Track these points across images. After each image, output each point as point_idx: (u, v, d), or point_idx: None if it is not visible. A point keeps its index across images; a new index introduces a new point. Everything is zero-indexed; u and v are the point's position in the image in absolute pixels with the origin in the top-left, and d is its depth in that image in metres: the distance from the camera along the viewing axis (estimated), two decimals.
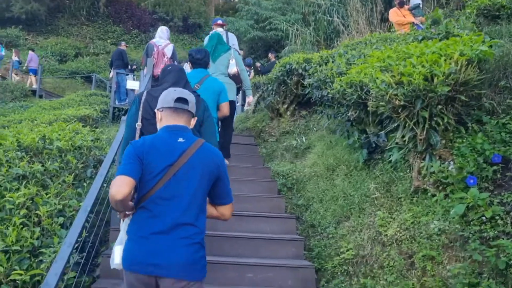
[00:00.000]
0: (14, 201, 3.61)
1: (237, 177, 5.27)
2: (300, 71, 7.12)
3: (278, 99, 7.97)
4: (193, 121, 2.45)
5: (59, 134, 4.88)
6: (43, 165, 4.27)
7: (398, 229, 3.73)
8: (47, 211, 3.63)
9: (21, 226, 3.46)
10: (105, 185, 4.08)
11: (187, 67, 6.52)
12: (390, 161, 4.18)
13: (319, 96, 5.80)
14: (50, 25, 24.50)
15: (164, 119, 2.37)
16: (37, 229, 3.47)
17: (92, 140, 4.90)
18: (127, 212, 2.27)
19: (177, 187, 2.19)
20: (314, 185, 5.31)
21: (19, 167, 4.09)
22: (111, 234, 4.04)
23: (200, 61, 4.36)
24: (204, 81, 4.22)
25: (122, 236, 2.34)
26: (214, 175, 2.29)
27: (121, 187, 2.05)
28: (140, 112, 3.19)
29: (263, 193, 5.18)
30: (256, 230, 4.39)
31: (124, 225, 2.36)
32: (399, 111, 3.63)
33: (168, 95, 2.38)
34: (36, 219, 3.66)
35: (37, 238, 3.45)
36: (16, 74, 17.97)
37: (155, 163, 2.20)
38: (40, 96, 16.65)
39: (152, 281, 2.14)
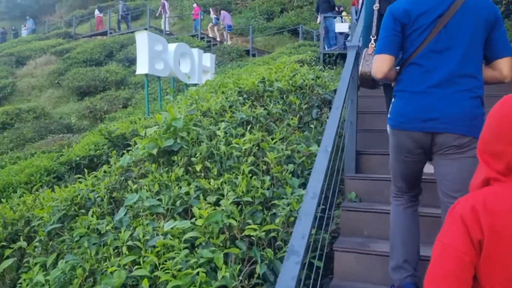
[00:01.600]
0: (240, 147, 3.25)
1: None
2: None
3: None
4: None
5: (278, 76, 4.42)
6: (265, 109, 3.86)
7: None
8: (275, 158, 3.16)
9: (250, 175, 3.07)
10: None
11: None
12: None
13: None
14: None
15: None
16: (267, 178, 3.02)
17: (313, 79, 4.30)
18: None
19: (449, 38, 2.02)
20: None
21: (242, 111, 3.74)
22: (347, 183, 3.40)
23: None
24: None
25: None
26: (489, 22, 2.02)
27: (381, 65, 2.09)
28: None
29: None
30: None
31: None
32: None
33: None
34: (264, 167, 3.24)
35: (268, 188, 3.01)
36: (218, 31, 19.35)
37: (423, 16, 2.05)
38: (253, 55, 17.37)
39: (427, 139, 2.05)
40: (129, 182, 3.39)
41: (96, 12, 23.31)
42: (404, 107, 2.09)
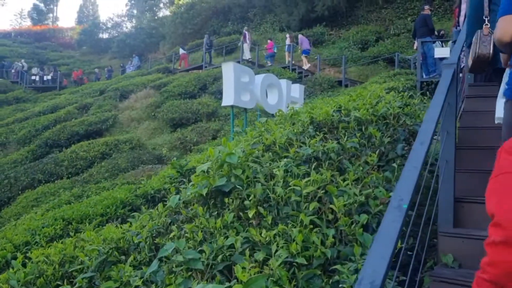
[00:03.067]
0: (300, 191, 2.63)
1: None
2: None
3: None
4: None
5: (357, 104, 3.76)
6: (338, 142, 3.21)
7: None
8: (344, 205, 2.49)
9: (311, 226, 2.43)
10: (425, 169, 2.70)
11: None
12: None
13: None
14: (350, 16, 24.76)
15: None
16: (331, 232, 2.36)
17: (400, 107, 3.56)
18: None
19: None
20: None
21: (309, 146, 3.13)
22: (441, 241, 2.60)
23: None
24: None
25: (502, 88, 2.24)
26: None
27: (507, 26, 1.88)
28: None
29: None
30: None
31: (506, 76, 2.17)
32: None
33: None
34: (331, 216, 2.58)
35: (333, 245, 2.35)
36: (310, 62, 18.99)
37: None
38: (346, 86, 16.65)
39: None
40: (174, 226, 2.93)
41: (181, 50, 24.53)
42: None
